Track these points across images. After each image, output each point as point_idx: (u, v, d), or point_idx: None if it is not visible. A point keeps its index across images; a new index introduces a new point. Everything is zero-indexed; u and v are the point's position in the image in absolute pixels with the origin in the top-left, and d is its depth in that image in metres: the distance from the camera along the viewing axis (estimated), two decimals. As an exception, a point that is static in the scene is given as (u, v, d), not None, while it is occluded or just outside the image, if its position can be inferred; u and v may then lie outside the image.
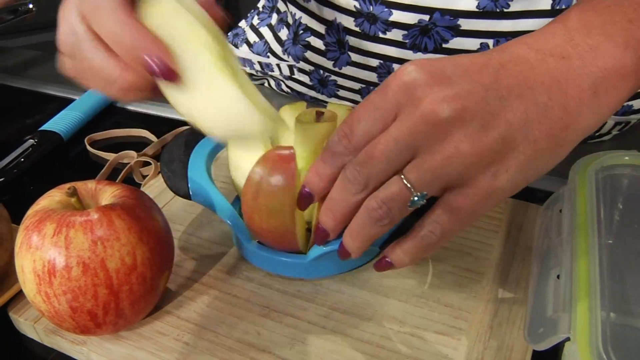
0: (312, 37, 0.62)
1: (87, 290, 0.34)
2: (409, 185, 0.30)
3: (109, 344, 0.38)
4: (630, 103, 0.57)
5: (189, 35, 0.31)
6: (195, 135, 0.46)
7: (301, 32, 0.63)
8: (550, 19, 0.49)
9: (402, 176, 0.30)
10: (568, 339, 0.31)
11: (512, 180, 0.30)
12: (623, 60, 0.31)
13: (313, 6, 0.59)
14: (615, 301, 0.33)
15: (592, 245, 0.36)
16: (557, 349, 0.33)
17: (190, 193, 0.43)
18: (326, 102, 0.68)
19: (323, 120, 0.42)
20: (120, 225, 0.35)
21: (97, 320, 0.35)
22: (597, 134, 0.60)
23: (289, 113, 0.45)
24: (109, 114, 0.71)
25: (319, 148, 0.40)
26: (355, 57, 0.59)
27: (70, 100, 0.70)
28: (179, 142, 0.47)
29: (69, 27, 0.32)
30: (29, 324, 0.40)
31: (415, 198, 0.30)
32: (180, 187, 0.43)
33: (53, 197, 0.37)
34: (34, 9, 0.80)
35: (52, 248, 0.33)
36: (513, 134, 0.29)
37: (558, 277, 0.36)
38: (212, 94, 0.31)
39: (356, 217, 0.33)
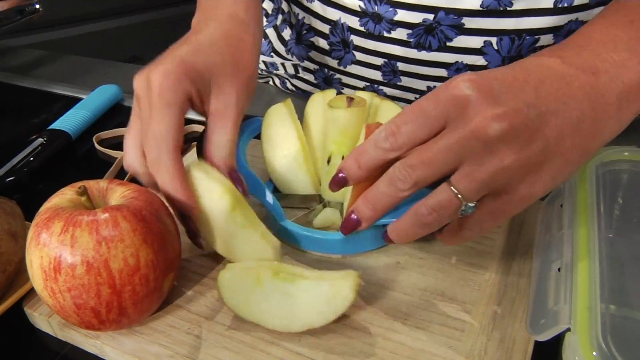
0: (315, 37, 0.62)
1: (90, 288, 0.35)
2: (458, 194, 0.33)
3: (123, 337, 0.39)
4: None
5: (212, 194, 0.40)
6: None
7: (304, 32, 0.63)
8: (552, 17, 0.50)
9: (452, 186, 0.33)
10: (568, 330, 0.32)
11: (545, 187, 0.33)
12: None
13: (317, 6, 0.60)
14: (615, 293, 0.34)
15: (592, 239, 0.37)
16: (558, 340, 0.33)
17: None
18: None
19: (353, 105, 0.44)
20: (125, 226, 0.35)
21: (101, 317, 0.36)
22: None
23: (320, 99, 0.48)
24: (116, 112, 0.72)
25: (350, 131, 0.44)
26: (359, 55, 0.60)
27: (77, 99, 0.71)
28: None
29: (133, 160, 0.41)
30: (44, 319, 0.41)
31: (466, 207, 0.34)
32: None
33: (64, 195, 0.38)
34: (40, 9, 0.81)
35: (58, 246, 0.34)
36: (549, 147, 0.32)
37: (559, 270, 0.37)
38: (231, 237, 0.41)
39: (404, 219, 0.36)
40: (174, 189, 0.39)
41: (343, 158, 0.44)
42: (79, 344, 0.41)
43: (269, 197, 0.44)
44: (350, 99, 0.45)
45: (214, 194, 0.39)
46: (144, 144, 0.40)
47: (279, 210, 0.45)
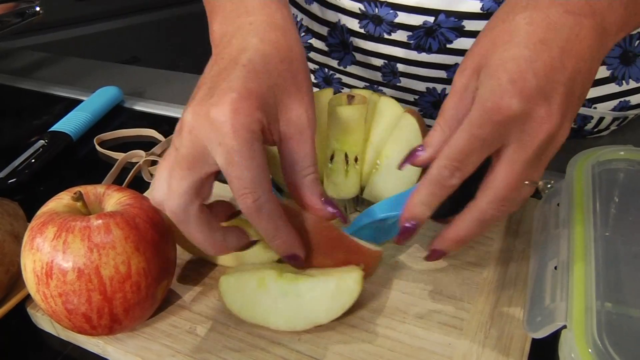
0: (313, 38, 0.63)
1: (81, 294, 0.35)
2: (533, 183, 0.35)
3: (125, 337, 0.40)
4: (627, 99, 0.58)
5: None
6: None
7: (302, 34, 0.64)
8: None
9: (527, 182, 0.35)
10: (564, 327, 0.33)
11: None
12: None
13: (315, 8, 0.60)
14: (610, 291, 0.34)
15: (588, 238, 0.37)
16: (555, 337, 0.34)
17: None
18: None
19: (354, 103, 0.45)
20: (117, 233, 0.35)
21: (92, 323, 0.36)
22: (595, 129, 0.62)
23: (320, 98, 0.48)
24: (117, 114, 0.72)
25: (351, 128, 0.44)
26: (359, 56, 0.61)
27: (78, 101, 0.72)
28: None
29: (182, 202, 0.34)
30: (46, 319, 0.41)
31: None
32: None
33: (61, 200, 0.38)
34: (41, 12, 0.81)
35: (50, 251, 0.34)
36: (579, 99, 0.35)
37: (555, 268, 0.37)
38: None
39: (462, 224, 0.36)
40: (281, 235, 0.36)
41: (346, 155, 0.45)
42: (81, 344, 0.41)
43: (275, 193, 0.45)
44: (351, 97, 0.45)
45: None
46: (235, 192, 0.34)
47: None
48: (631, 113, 0.61)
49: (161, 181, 0.35)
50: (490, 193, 0.35)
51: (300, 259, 0.38)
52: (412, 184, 0.45)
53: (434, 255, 0.38)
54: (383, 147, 0.47)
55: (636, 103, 0.59)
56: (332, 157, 0.46)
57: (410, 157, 0.37)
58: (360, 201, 0.49)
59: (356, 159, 0.46)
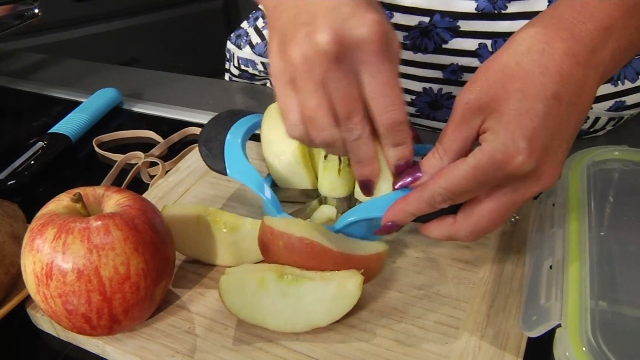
0: None
1: (80, 295, 0.35)
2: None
3: (124, 337, 0.40)
4: (623, 99, 0.59)
5: None
6: (230, 117, 0.50)
7: None
8: None
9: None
10: (559, 326, 0.33)
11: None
12: None
13: None
14: (604, 290, 0.34)
15: (582, 237, 0.38)
16: (550, 336, 0.34)
17: (227, 169, 0.46)
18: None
19: None
20: (116, 235, 0.36)
21: (92, 323, 0.36)
22: (591, 129, 0.62)
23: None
24: (116, 115, 0.72)
25: None
26: None
27: (77, 103, 0.72)
28: (214, 123, 0.50)
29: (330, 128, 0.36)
30: (46, 319, 0.42)
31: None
32: (217, 163, 0.47)
33: (61, 202, 0.38)
34: (39, 14, 0.81)
35: (50, 252, 0.35)
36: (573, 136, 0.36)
37: (551, 267, 0.38)
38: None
39: (442, 238, 0.39)
40: (371, 164, 0.38)
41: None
42: (81, 344, 0.41)
43: (267, 192, 0.45)
44: None
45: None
46: (376, 110, 0.36)
47: (277, 203, 0.46)
48: (627, 113, 0.61)
49: (322, 120, 0.36)
50: (472, 222, 0.37)
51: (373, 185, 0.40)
52: None
53: (385, 230, 0.40)
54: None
55: (632, 103, 0.59)
56: (326, 155, 0.47)
57: (406, 181, 0.39)
58: (353, 201, 0.49)
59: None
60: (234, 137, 0.48)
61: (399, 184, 0.39)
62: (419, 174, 0.38)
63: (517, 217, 0.39)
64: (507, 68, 0.34)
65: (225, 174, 0.46)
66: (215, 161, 0.47)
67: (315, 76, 0.35)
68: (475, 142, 0.36)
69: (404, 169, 0.39)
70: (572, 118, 0.34)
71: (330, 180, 0.47)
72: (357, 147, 0.37)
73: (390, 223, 0.39)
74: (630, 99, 0.59)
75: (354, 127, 0.36)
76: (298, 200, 0.51)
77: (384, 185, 0.45)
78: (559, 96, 0.33)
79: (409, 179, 0.38)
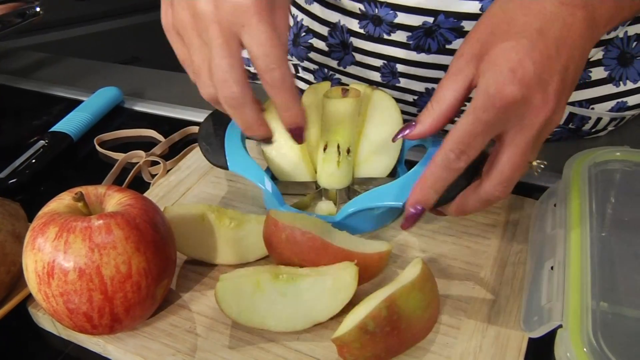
0: (314, 39, 0.63)
1: (82, 294, 0.35)
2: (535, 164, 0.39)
3: (125, 336, 0.40)
4: (625, 100, 0.59)
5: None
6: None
7: (303, 34, 0.64)
8: None
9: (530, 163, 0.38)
10: (560, 327, 0.33)
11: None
12: None
13: (316, 8, 0.61)
14: (605, 291, 0.34)
15: (584, 238, 0.38)
16: (551, 337, 0.34)
17: (228, 163, 0.46)
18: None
19: (348, 96, 0.46)
20: (118, 234, 0.36)
21: (93, 322, 0.36)
22: (593, 130, 0.62)
23: (315, 92, 0.50)
24: (117, 114, 0.72)
25: (346, 120, 0.46)
26: (359, 57, 0.61)
27: (78, 102, 0.72)
28: (213, 119, 0.51)
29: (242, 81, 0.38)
30: (48, 318, 0.42)
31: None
32: (218, 158, 0.47)
33: (62, 201, 0.38)
34: (41, 12, 0.81)
35: (52, 251, 0.35)
36: (572, 84, 0.37)
37: (552, 268, 0.38)
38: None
39: (476, 206, 0.40)
40: (295, 107, 0.40)
41: (339, 147, 0.47)
42: (82, 343, 0.41)
43: (269, 185, 0.46)
44: (345, 90, 0.47)
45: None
46: (259, 67, 0.38)
47: (279, 195, 0.46)
48: (628, 114, 0.61)
49: (205, 76, 0.39)
50: (497, 174, 0.37)
51: (303, 131, 0.41)
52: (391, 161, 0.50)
53: (412, 218, 0.40)
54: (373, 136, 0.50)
55: (633, 104, 0.59)
56: (325, 148, 0.48)
57: (403, 131, 0.40)
58: (352, 192, 0.50)
59: (348, 151, 0.48)
60: (233, 132, 0.49)
61: (396, 136, 0.41)
62: (413, 125, 0.39)
63: (541, 165, 0.39)
64: (494, 17, 0.37)
65: (226, 168, 0.46)
66: (216, 156, 0.47)
67: (194, 35, 0.39)
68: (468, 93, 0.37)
69: (299, 134, 0.41)
70: (562, 52, 0.35)
71: (330, 172, 0.48)
72: (238, 108, 0.39)
73: (414, 210, 0.39)
74: (632, 100, 0.59)
75: (229, 86, 0.38)
76: (297, 192, 0.51)
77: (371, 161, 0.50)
78: (543, 32, 0.35)
79: (405, 131, 0.40)
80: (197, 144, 0.61)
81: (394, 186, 0.43)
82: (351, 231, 0.45)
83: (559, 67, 0.35)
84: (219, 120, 0.50)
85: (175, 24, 0.40)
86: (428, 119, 0.38)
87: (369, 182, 0.51)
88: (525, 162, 0.37)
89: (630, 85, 0.57)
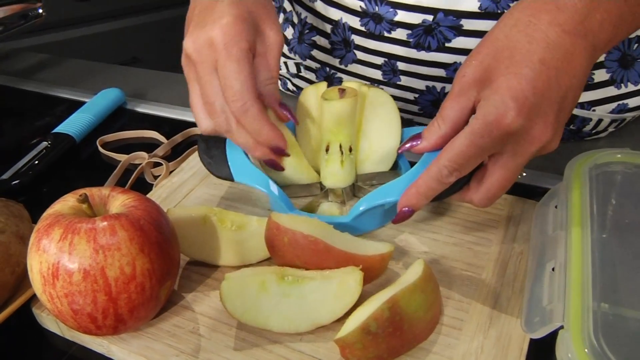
0: (317, 36, 0.64)
1: (86, 295, 0.35)
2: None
3: (129, 337, 0.40)
4: (626, 101, 0.59)
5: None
6: None
7: (307, 31, 0.65)
8: None
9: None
10: (562, 327, 0.33)
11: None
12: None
13: (319, 6, 0.61)
14: (606, 292, 0.35)
15: (585, 240, 0.38)
16: (552, 337, 0.34)
17: (233, 175, 0.47)
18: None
19: (346, 96, 0.47)
20: (122, 235, 0.36)
21: (97, 323, 0.37)
22: (593, 131, 0.62)
23: (313, 92, 0.51)
24: (119, 115, 0.73)
25: (345, 120, 0.47)
26: (360, 55, 0.62)
27: (80, 103, 0.72)
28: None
29: (207, 123, 0.44)
30: (51, 319, 0.42)
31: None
32: (222, 170, 0.47)
33: (67, 202, 0.38)
34: (43, 14, 0.81)
35: (57, 252, 0.35)
36: (569, 111, 0.39)
37: (553, 269, 0.38)
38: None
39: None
40: (266, 132, 0.43)
41: (341, 147, 0.48)
42: (86, 344, 0.42)
43: (274, 188, 0.46)
44: (342, 90, 0.47)
45: None
46: (226, 98, 0.42)
47: (286, 199, 0.47)
48: (629, 115, 0.61)
49: (200, 111, 0.44)
50: (484, 190, 0.40)
51: (284, 150, 0.45)
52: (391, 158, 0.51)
53: (402, 217, 0.43)
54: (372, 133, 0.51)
55: (634, 106, 0.60)
56: (327, 149, 0.48)
57: (408, 145, 0.43)
58: (357, 188, 0.51)
59: (350, 149, 0.48)
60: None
61: (401, 148, 0.44)
62: (418, 140, 0.42)
63: (524, 173, 0.41)
64: (498, 41, 0.38)
65: (231, 179, 0.47)
66: (220, 168, 0.47)
67: (190, 74, 0.45)
68: (471, 113, 0.39)
69: (279, 153, 0.46)
70: (562, 82, 0.36)
71: (334, 172, 0.49)
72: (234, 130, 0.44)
73: (405, 209, 0.42)
74: (632, 102, 0.59)
75: (219, 114, 0.43)
76: (301, 195, 0.52)
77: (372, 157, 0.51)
78: (545, 61, 0.36)
79: (410, 144, 0.42)
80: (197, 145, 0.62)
81: (400, 182, 0.44)
82: (359, 229, 0.46)
83: (559, 97, 0.36)
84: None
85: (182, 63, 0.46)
86: (433, 136, 0.41)
87: (372, 177, 0.51)
88: (512, 182, 0.39)
89: (631, 87, 0.57)
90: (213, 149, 0.49)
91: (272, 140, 0.44)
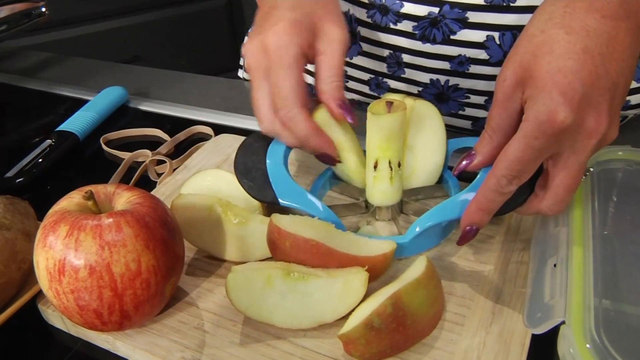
0: None
1: (92, 291, 0.36)
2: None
3: (134, 333, 0.40)
4: (628, 98, 0.59)
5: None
6: (260, 142, 0.48)
7: None
8: None
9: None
10: (563, 323, 0.34)
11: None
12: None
13: None
14: (608, 288, 0.35)
15: (586, 236, 0.38)
16: (554, 333, 0.35)
17: (278, 198, 0.44)
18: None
19: (393, 110, 0.44)
20: (128, 232, 0.36)
21: (103, 319, 0.37)
22: (595, 129, 0.62)
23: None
24: (123, 114, 0.73)
25: (393, 136, 0.45)
26: (366, 47, 0.62)
27: (83, 101, 0.73)
28: (246, 151, 0.48)
29: (269, 122, 0.45)
30: (57, 315, 0.42)
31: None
32: (265, 194, 0.45)
33: (72, 199, 0.39)
34: (47, 12, 0.82)
35: (63, 249, 0.35)
36: (622, 99, 0.37)
37: (555, 265, 0.38)
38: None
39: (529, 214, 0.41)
40: (313, 140, 0.44)
41: (390, 163, 0.45)
42: (91, 340, 0.42)
43: (321, 207, 0.44)
44: (390, 103, 0.45)
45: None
46: (274, 104, 0.44)
47: (335, 218, 0.44)
48: (630, 113, 0.61)
49: (266, 109, 0.45)
50: (552, 195, 0.38)
51: (333, 157, 0.46)
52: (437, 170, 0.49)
53: (467, 236, 0.41)
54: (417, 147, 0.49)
55: (636, 103, 0.60)
56: (375, 166, 0.46)
57: (464, 164, 0.42)
58: (403, 204, 0.49)
59: (399, 164, 0.46)
60: (274, 162, 0.46)
61: (457, 169, 0.42)
62: (473, 156, 0.40)
63: (586, 173, 0.40)
64: (534, 38, 0.36)
65: (277, 203, 0.44)
66: (262, 192, 0.45)
67: (251, 77, 0.45)
68: (521, 116, 0.37)
69: (328, 160, 0.46)
70: (611, 68, 0.35)
71: (383, 189, 0.46)
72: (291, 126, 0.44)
73: (469, 227, 0.40)
74: (634, 99, 0.59)
75: (284, 114, 0.43)
76: (345, 215, 0.50)
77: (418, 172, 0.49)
78: (588, 49, 0.34)
79: (465, 162, 0.41)
80: (202, 142, 0.62)
81: (458, 198, 0.42)
82: (416, 250, 0.45)
83: (609, 84, 0.35)
84: (254, 152, 0.48)
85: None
86: (486, 149, 0.40)
87: (418, 192, 0.50)
88: (578, 182, 0.37)
89: (633, 84, 0.58)
90: (253, 170, 0.46)
91: (320, 148, 0.45)
